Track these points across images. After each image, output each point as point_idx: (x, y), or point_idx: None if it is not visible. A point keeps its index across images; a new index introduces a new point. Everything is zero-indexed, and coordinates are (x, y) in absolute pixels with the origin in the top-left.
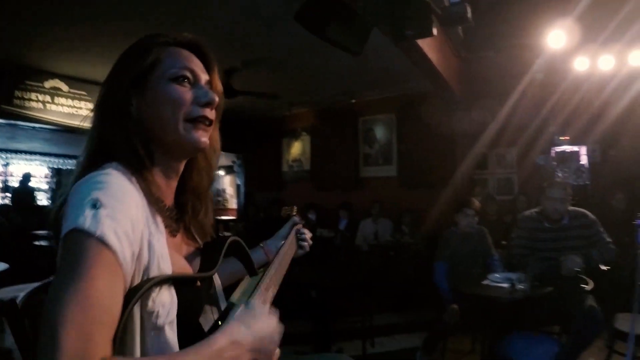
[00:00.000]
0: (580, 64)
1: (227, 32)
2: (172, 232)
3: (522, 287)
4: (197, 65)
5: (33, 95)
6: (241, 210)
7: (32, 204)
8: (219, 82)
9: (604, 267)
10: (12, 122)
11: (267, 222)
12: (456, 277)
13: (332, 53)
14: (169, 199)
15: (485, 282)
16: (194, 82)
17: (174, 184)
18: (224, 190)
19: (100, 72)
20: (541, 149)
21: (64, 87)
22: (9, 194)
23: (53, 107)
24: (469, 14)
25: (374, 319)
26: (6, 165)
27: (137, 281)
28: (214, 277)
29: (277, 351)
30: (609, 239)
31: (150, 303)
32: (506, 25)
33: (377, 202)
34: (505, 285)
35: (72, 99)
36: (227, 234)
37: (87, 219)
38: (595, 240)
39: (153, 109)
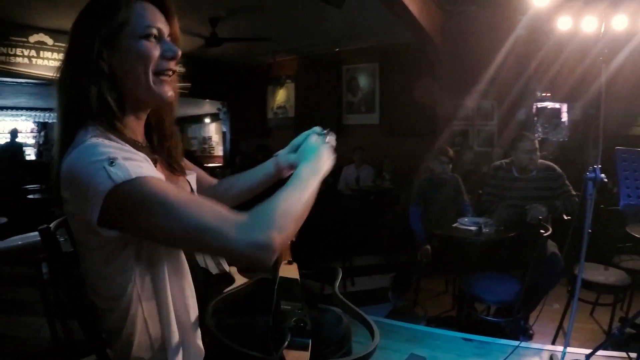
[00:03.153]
0: (563, 24)
1: None
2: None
3: (488, 230)
4: (161, 20)
5: (18, 51)
6: (227, 157)
7: (21, 159)
8: (178, 30)
9: (566, 217)
10: None
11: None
12: (429, 220)
13: (316, 1)
14: (141, 137)
15: (455, 225)
16: (159, 37)
17: (142, 123)
18: (210, 138)
19: None
20: (523, 104)
21: (49, 41)
22: None
23: (39, 61)
24: None
25: (354, 259)
26: None
27: None
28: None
29: None
30: (574, 192)
31: None
32: None
33: (360, 149)
34: (472, 228)
35: (58, 52)
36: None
37: (116, 174)
38: (560, 192)
39: (125, 65)
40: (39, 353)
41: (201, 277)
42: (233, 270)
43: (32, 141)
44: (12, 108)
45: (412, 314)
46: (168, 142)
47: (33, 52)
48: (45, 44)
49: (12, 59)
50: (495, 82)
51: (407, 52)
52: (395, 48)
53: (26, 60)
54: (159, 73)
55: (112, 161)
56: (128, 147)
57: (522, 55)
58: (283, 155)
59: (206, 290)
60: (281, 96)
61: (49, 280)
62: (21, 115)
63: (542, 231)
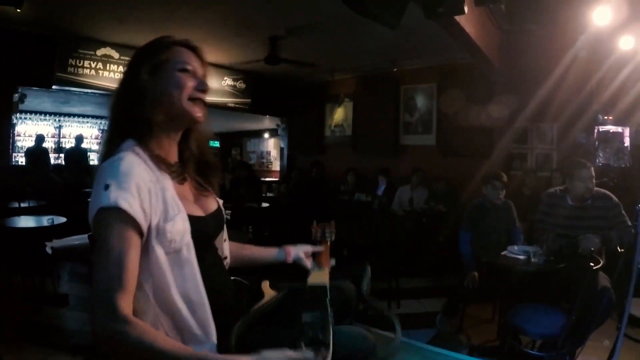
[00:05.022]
0: (626, 43)
1: (271, 1)
2: (179, 182)
3: (537, 260)
4: (196, 61)
5: (86, 63)
6: (284, 172)
7: (84, 164)
8: (207, 73)
9: (620, 249)
10: (67, 88)
11: (307, 183)
12: (479, 246)
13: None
14: (173, 157)
15: (504, 253)
16: (194, 74)
17: (175, 145)
18: (268, 153)
19: (149, 39)
20: (583, 127)
21: (115, 55)
22: (62, 155)
23: (105, 73)
24: None
25: (402, 281)
26: (59, 127)
27: (155, 220)
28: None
29: None
30: (629, 223)
31: (167, 234)
32: None
33: (419, 171)
34: (521, 257)
35: (123, 65)
36: (270, 194)
37: (103, 199)
38: (616, 223)
39: (165, 89)
40: (84, 346)
41: (232, 288)
42: (265, 285)
43: (96, 147)
44: (78, 115)
45: (455, 340)
46: (208, 169)
47: (100, 65)
48: (112, 57)
49: (80, 71)
50: (554, 103)
51: (466, 72)
52: (453, 68)
53: (93, 72)
54: (191, 99)
55: (107, 185)
56: (136, 171)
57: (582, 76)
58: (293, 249)
59: (238, 301)
60: (339, 114)
61: None
62: (87, 122)
63: (592, 264)
